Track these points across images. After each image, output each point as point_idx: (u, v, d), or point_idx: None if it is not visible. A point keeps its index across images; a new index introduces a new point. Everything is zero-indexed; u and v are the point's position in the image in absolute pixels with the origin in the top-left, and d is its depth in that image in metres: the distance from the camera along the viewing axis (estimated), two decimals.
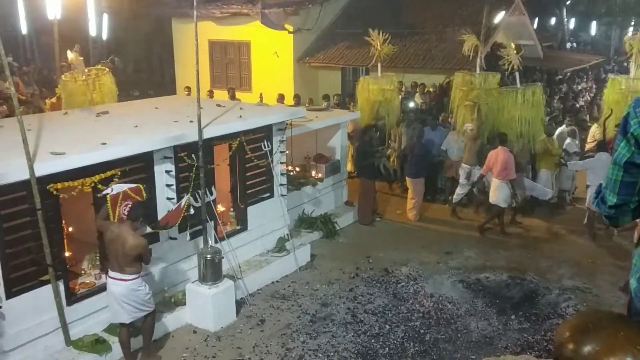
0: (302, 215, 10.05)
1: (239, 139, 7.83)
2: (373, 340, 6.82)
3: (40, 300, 5.87)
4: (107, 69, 10.68)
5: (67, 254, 6.47)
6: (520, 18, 17.78)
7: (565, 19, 33.23)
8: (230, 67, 18.53)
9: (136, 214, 5.96)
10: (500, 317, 7.38)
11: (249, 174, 8.26)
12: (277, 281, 8.30)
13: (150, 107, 8.95)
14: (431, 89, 15.11)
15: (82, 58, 11.01)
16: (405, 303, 7.71)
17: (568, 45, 32.19)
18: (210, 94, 15.08)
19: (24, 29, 20.13)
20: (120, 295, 5.89)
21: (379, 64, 11.98)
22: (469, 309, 7.56)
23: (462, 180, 10.87)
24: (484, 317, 7.37)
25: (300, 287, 8.19)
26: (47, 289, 5.89)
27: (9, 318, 5.64)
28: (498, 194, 9.87)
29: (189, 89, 14.83)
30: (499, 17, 15.40)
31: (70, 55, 11.36)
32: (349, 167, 12.18)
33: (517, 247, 9.68)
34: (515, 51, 10.96)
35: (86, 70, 10.19)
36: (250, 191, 8.35)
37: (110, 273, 5.95)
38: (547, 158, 10.86)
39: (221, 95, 15.96)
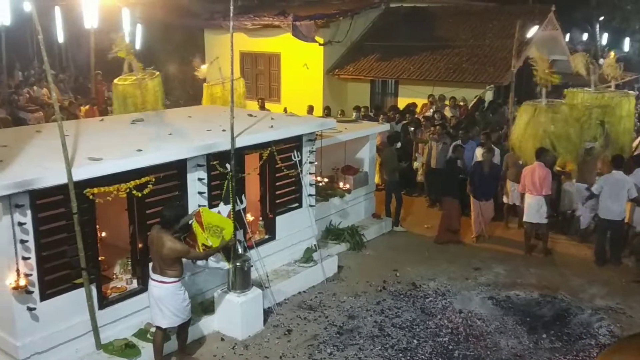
0: (329, 226, 10.05)
1: (269, 148, 7.89)
2: (401, 355, 6.75)
3: (73, 303, 5.96)
4: (239, 76, 12.22)
5: (100, 258, 6.58)
6: (553, 33, 17.63)
7: (599, 35, 32.80)
8: (260, 77, 18.72)
9: (167, 219, 6.01)
10: (531, 335, 7.25)
11: (278, 183, 8.30)
12: (304, 291, 8.29)
13: (184, 115, 9.07)
14: (461, 103, 15.02)
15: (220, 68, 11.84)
16: (434, 318, 7.63)
17: (601, 61, 31.69)
18: None
19: (60, 38, 20.79)
20: (159, 298, 5.97)
21: (544, 90, 10.42)
22: (498, 327, 7.44)
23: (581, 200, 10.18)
24: (515, 335, 7.24)
25: (327, 298, 8.17)
26: (80, 292, 5.98)
27: (43, 320, 5.74)
28: (540, 211, 9.65)
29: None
30: (532, 31, 15.27)
31: (204, 66, 12.46)
32: (377, 179, 12.15)
33: (547, 265, 9.51)
34: (615, 65, 10.65)
35: (222, 78, 11.46)
36: (279, 201, 8.38)
37: (152, 275, 6.05)
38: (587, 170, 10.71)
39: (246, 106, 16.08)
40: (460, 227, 10.52)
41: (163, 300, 5.97)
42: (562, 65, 19.41)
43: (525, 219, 9.91)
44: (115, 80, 10.35)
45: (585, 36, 34.89)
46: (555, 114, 10.21)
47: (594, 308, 8.00)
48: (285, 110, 15.60)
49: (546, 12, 16.58)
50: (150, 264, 6.12)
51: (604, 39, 34.58)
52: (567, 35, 31.58)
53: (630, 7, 29.93)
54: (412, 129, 13.07)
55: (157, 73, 10.67)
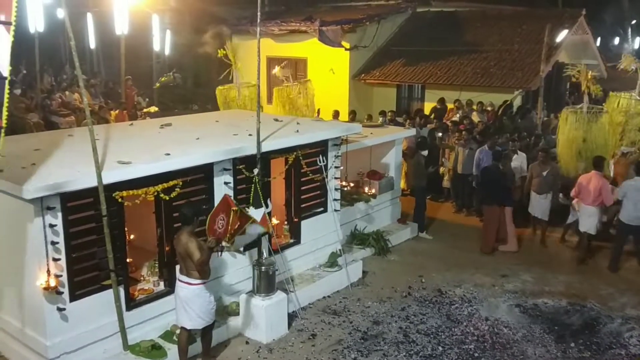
0: (354, 231, 10.04)
1: (295, 153, 7.93)
2: None
3: (101, 304, 6.06)
4: (308, 80, 12.79)
5: (128, 260, 6.68)
6: (584, 37, 17.34)
7: (630, 39, 32.16)
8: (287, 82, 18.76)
9: (185, 216, 6.06)
10: (558, 344, 7.12)
11: (303, 188, 8.34)
12: (328, 296, 8.29)
13: (211, 120, 9.17)
14: (489, 108, 14.87)
15: (290, 71, 12.86)
16: (459, 325, 7.55)
17: (633, 66, 31.07)
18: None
19: (92, 43, 21.24)
20: (185, 299, 6.04)
21: (586, 97, 10.41)
22: (525, 335, 7.33)
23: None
24: (542, 344, 7.12)
25: (352, 303, 8.15)
26: (108, 294, 6.08)
27: (72, 320, 5.86)
28: (589, 220, 9.52)
29: None
30: (562, 35, 15.06)
31: (276, 69, 13.23)
32: (403, 184, 12.09)
33: (576, 273, 9.33)
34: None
35: (293, 82, 12.43)
36: (304, 205, 8.41)
37: (179, 276, 6.13)
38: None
39: (273, 111, 16.20)
40: (506, 235, 10.24)
41: (188, 302, 6.03)
42: (594, 70, 19.11)
43: (580, 228, 9.74)
44: (219, 87, 12.81)
45: (617, 40, 34.25)
46: (594, 122, 10.15)
47: (624, 317, 7.83)
48: (318, 111, 15.68)
49: (576, 16, 16.31)
50: (177, 266, 6.20)
51: (636, 42, 33.90)
52: (598, 40, 31.05)
53: None
54: (440, 134, 12.98)
55: (254, 83, 11.82)
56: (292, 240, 8.38)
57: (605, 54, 21.53)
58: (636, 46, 33.93)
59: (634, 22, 31.67)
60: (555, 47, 15.04)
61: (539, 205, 10.47)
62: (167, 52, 22.28)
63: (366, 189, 10.63)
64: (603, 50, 25.46)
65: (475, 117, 14.19)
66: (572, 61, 18.08)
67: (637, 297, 8.43)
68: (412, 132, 11.93)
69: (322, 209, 8.70)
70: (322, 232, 8.70)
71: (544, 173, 10.35)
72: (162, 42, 20.96)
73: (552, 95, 16.41)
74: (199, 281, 6.04)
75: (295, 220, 8.38)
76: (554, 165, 10.55)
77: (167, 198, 6.36)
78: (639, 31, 33.09)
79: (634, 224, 9.09)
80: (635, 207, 9.00)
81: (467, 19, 17.99)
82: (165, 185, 6.29)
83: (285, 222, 8.47)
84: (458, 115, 14.31)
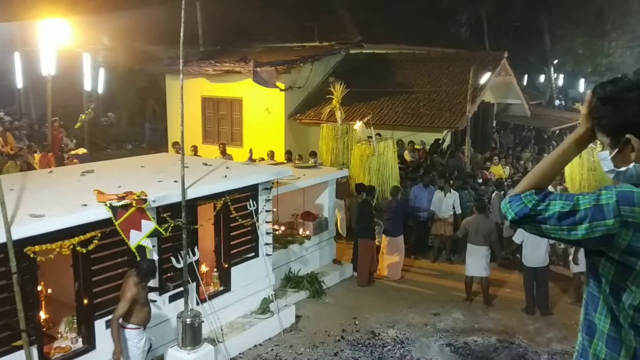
0: (288, 274, 9.94)
1: (223, 198, 7.82)
2: None
3: None
4: (386, 137, 12.68)
5: (44, 316, 6.35)
6: (507, 78, 18.20)
7: (554, 77, 34.07)
8: (222, 122, 18.71)
9: (144, 270, 6.19)
10: None
11: (233, 233, 8.21)
12: (260, 344, 8.11)
13: (137, 165, 8.95)
14: (418, 147, 15.28)
15: (370, 128, 12.68)
16: None
17: (557, 102, 32.89)
18: (195, 149, 15.09)
19: (19, 84, 20.57)
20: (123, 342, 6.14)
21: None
22: None
23: None
24: None
25: (284, 350, 8.00)
26: (20, 355, 5.71)
27: None
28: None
29: (178, 144, 14.93)
30: (485, 77, 15.75)
31: (358, 124, 13.22)
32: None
33: (505, 309, 9.54)
34: None
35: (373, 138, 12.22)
36: (234, 251, 8.27)
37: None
38: None
39: (208, 150, 16.11)
40: (376, 267, 10.80)
41: (124, 345, 6.10)
42: (517, 109, 20.10)
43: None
44: (324, 125, 13.55)
45: (542, 78, 36.22)
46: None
47: (550, 352, 8.03)
48: (250, 151, 15.63)
49: (499, 59, 17.12)
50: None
51: (560, 80, 35.99)
52: (525, 78, 32.82)
53: (582, 51, 31.26)
54: None
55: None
56: (221, 288, 8.19)
57: (531, 92, 22.71)
58: (560, 83, 36.05)
59: (555, 61, 33.61)
60: (480, 88, 15.70)
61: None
62: (100, 90, 21.88)
63: (300, 231, 10.59)
64: (529, 88, 26.87)
65: (407, 156, 14.53)
66: (498, 101, 18.98)
67: (562, 331, 8.67)
68: (345, 172, 12.04)
69: (253, 254, 8.59)
70: (253, 277, 8.56)
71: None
72: (94, 81, 20.57)
73: (479, 134, 17.06)
74: (132, 325, 6.09)
75: (225, 266, 8.22)
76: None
77: (85, 251, 6.11)
78: (561, 70, 35.16)
79: (536, 266, 9.23)
80: (534, 248, 9.11)
81: (398, 61, 18.55)
82: (82, 237, 6.04)
83: (215, 269, 8.29)
84: None
